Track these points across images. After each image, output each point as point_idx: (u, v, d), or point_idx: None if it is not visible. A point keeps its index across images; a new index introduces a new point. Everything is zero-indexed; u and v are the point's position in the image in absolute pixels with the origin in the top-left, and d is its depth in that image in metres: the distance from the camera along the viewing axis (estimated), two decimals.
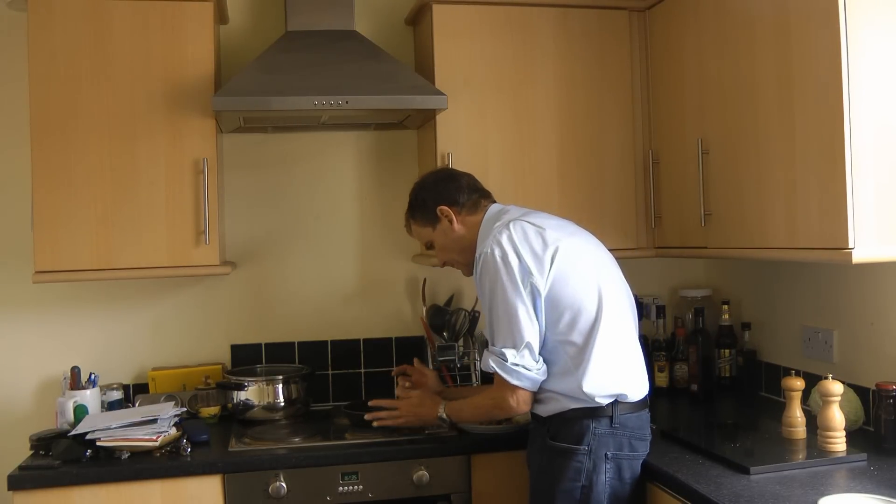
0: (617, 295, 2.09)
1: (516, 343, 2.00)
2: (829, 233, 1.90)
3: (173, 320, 2.85)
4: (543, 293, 2.00)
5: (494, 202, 2.25)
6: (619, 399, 2.02)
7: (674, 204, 2.64)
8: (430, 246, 2.30)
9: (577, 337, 2.00)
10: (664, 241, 2.72)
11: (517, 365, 2.00)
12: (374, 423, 2.39)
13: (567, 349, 2.01)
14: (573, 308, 2.01)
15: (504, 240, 2.02)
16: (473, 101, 2.63)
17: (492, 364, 2.03)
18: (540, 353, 2.04)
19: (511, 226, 2.06)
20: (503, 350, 2.01)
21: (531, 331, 2.00)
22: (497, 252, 2.01)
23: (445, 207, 2.20)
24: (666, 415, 2.67)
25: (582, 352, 2.00)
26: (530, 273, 1.99)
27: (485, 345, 2.73)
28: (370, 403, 2.43)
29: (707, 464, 2.00)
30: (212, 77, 2.50)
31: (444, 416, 2.27)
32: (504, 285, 2.00)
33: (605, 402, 2.00)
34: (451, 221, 2.20)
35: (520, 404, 2.05)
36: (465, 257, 2.22)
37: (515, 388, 2.02)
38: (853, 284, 2.39)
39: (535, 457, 2.14)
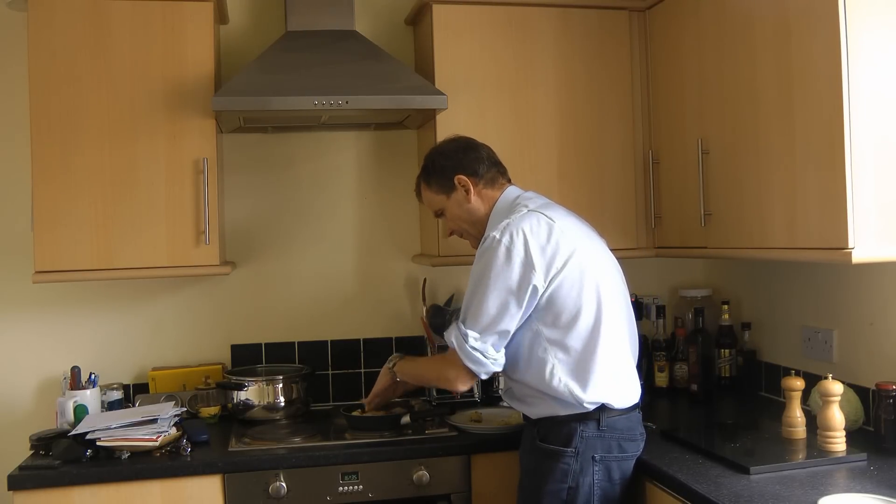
0: (616, 304, 2.08)
1: (485, 329, 2.00)
2: (828, 233, 1.90)
3: (173, 320, 2.85)
4: (542, 291, 1.99)
5: (511, 181, 2.24)
6: (605, 405, 2.02)
7: (674, 204, 2.64)
8: (439, 214, 2.29)
9: (571, 341, 2.00)
10: (664, 241, 2.72)
11: (475, 349, 2.00)
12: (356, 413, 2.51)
13: (559, 352, 2.00)
14: (572, 313, 2.00)
15: (516, 230, 2.00)
16: (473, 100, 2.63)
17: (453, 341, 2.04)
18: (527, 352, 2.03)
19: (528, 217, 2.03)
20: (468, 331, 2.01)
21: (507, 323, 2.00)
22: (505, 240, 1.99)
23: (464, 177, 2.18)
24: (666, 415, 2.68)
25: (574, 357, 2.00)
26: (533, 269, 1.97)
27: None
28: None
29: (707, 464, 2.00)
30: (212, 77, 2.50)
31: (392, 366, 2.35)
32: (499, 274, 1.98)
33: (590, 407, 2.01)
34: (467, 192, 2.18)
35: (457, 382, 2.07)
36: (476, 229, 2.20)
37: (464, 368, 2.03)
38: (853, 284, 2.39)
39: (524, 457, 2.15)
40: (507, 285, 1.98)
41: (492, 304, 1.99)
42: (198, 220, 2.47)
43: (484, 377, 2.07)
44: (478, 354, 2.01)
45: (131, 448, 2.25)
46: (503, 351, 2.04)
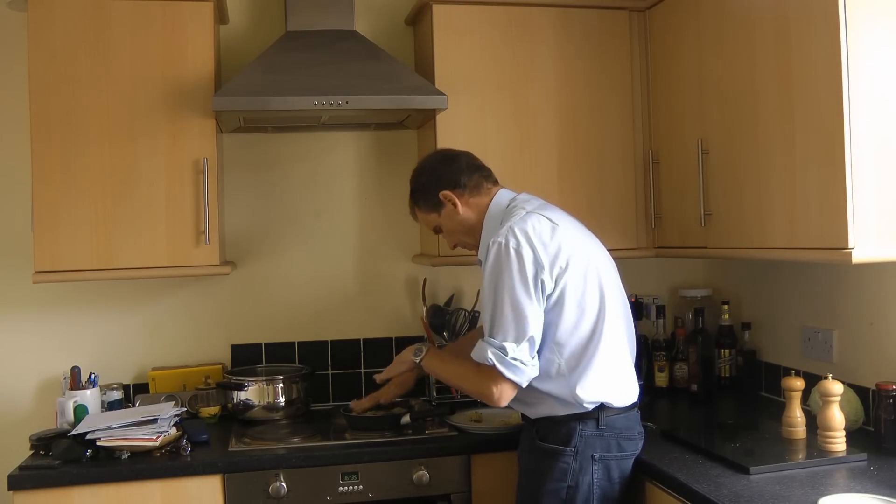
0: (616, 302, 2.08)
1: (518, 337, 1.96)
2: (829, 233, 1.90)
3: (173, 320, 2.85)
4: (549, 290, 1.99)
5: (497, 183, 2.23)
6: (604, 404, 2.02)
7: (674, 204, 2.64)
8: (437, 231, 2.28)
9: (575, 341, 2.00)
10: (664, 241, 2.72)
11: (515, 359, 1.96)
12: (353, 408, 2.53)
13: (563, 352, 2.00)
14: (576, 312, 2.00)
15: (519, 231, 1.99)
16: (473, 100, 2.63)
17: (490, 357, 1.97)
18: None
19: (528, 218, 2.03)
20: (503, 344, 1.96)
21: (536, 326, 1.97)
22: (512, 243, 1.97)
23: (448, 192, 2.16)
24: (666, 415, 2.68)
25: (578, 356, 2.00)
26: (542, 268, 1.97)
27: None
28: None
29: (707, 464, 2.00)
30: (212, 77, 2.50)
31: (418, 361, 2.26)
32: (514, 277, 1.96)
33: (590, 406, 2.01)
34: (455, 205, 2.17)
35: (501, 399, 2.00)
36: (473, 237, 2.20)
37: (507, 381, 1.98)
38: (853, 284, 2.39)
39: (523, 457, 2.14)
40: (526, 287, 1.96)
41: (517, 309, 1.96)
42: (198, 220, 2.47)
43: (524, 386, 2.01)
44: (518, 364, 1.96)
45: (131, 448, 2.25)
46: (537, 355, 2.00)
